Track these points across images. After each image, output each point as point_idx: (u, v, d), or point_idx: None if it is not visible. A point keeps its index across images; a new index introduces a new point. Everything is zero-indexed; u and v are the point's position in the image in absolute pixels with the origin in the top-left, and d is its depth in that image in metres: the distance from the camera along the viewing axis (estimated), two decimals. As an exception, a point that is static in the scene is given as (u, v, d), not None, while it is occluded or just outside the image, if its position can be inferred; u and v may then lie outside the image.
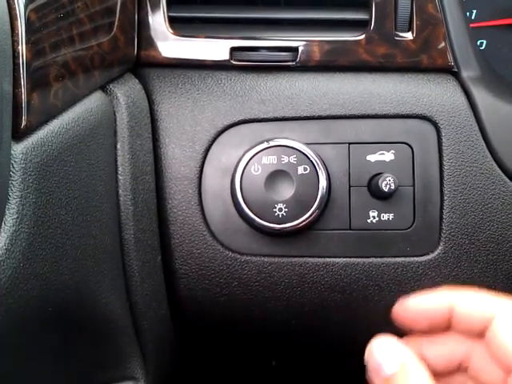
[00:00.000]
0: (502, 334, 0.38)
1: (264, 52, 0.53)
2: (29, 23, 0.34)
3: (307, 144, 0.50)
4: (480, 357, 0.41)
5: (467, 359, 0.41)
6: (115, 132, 0.47)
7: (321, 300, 0.54)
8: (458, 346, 0.42)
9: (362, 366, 0.46)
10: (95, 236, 0.43)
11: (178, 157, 0.52)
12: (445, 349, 0.42)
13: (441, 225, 0.52)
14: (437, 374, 0.42)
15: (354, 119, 0.52)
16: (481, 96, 0.52)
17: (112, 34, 0.47)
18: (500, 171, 0.52)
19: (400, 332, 0.40)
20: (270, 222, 0.50)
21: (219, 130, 0.52)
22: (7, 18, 0.33)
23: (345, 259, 0.52)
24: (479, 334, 0.40)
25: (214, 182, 0.52)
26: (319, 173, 0.50)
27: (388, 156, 0.51)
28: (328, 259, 0.52)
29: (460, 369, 0.42)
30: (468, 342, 0.41)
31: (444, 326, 0.42)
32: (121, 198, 0.47)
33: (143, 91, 0.52)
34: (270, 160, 0.50)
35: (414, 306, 0.43)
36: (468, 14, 0.56)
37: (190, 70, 0.53)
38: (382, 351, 0.41)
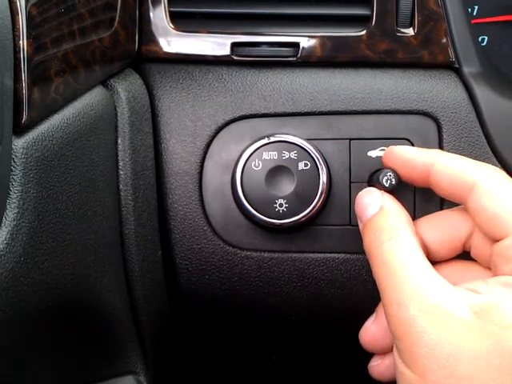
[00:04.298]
0: (484, 202, 0.39)
1: (265, 47, 0.53)
2: (30, 18, 0.34)
3: (308, 140, 0.51)
4: (479, 232, 0.41)
5: (469, 240, 0.42)
6: (116, 127, 0.47)
7: (321, 295, 0.54)
8: (459, 226, 0.42)
9: (363, 362, 0.47)
10: (96, 231, 0.43)
11: (179, 152, 0.52)
12: (446, 230, 0.43)
13: None
14: (442, 261, 0.43)
15: (355, 115, 0.52)
16: (482, 92, 0.52)
17: (113, 29, 0.47)
18: (501, 167, 0.52)
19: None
20: (270, 218, 0.50)
21: (220, 126, 0.52)
22: (8, 13, 0.33)
23: (345, 254, 0.52)
24: (460, 197, 0.41)
25: (215, 177, 0.52)
26: (320, 168, 0.50)
27: (389, 152, 0.51)
28: (328, 254, 0.52)
29: (464, 251, 0.43)
30: (469, 220, 0.42)
31: (422, 179, 0.43)
32: (121, 193, 0.47)
33: (144, 86, 0.52)
34: (270, 155, 0.50)
35: (399, 150, 0.45)
36: (469, 9, 0.56)
37: (190, 66, 0.53)
38: (367, 197, 0.43)
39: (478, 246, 0.41)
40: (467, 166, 0.41)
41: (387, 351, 0.43)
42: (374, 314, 0.45)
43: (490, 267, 0.40)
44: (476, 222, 0.40)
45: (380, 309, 0.44)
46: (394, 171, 0.46)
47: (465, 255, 0.43)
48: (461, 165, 0.41)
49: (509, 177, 0.40)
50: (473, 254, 0.42)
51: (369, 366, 0.45)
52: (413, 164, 0.44)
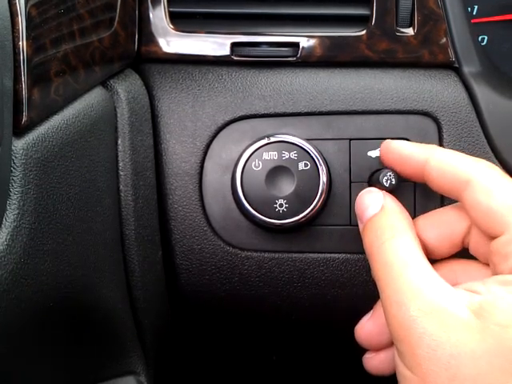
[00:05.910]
0: (479, 198, 0.38)
1: (265, 47, 0.53)
2: (29, 19, 0.34)
3: (308, 140, 0.50)
4: (476, 229, 0.41)
5: (467, 236, 0.42)
6: (116, 128, 0.47)
7: (321, 295, 0.54)
8: (457, 223, 0.42)
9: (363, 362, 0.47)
10: (96, 231, 0.43)
11: (179, 152, 0.52)
12: (444, 227, 0.43)
13: None
14: (441, 260, 0.43)
15: (355, 115, 0.52)
16: (482, 92, 0.52)
17: (112, 29, 0.47)
18: (501, 167, 0.52)
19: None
20: (270, 218, 0.50)
21: (220, 126, 0.52)
22: (8, 14, 0.33)
23: (345, 255, 0.52)
24: (456, 193, 0.41)
25: (215, 177, 0.52)
26: (320, 169, 0.50)
27: (389, 152, 0.51)
28: (328, 255, 0.52)
29: (463, 248, 0.43)
30: (467, 216, 0.41)
31: (418, 175, 0.43)
32: (122, 194, 0.47)
33: (144, 87, 0.52)
34: (270, 156, 0.50)
35: (395, 145, 0.45)
36: (469, 9, 0.56)
37: (190, 66, 0.53)
38: (368, 197, 0.43)
39: (476, 243, 0.41)
40: (462, 162, 0.40)
41: (382, 348, 0.43)
42: (371, 311, 0.45)
43: (488, 264, 0.40)
44: (472, 219, 0.40)
45: (378, 306, 0.44)
46: (393, 171, 0.46)
47: (465, 253, 0.43)
48: (455, 161, 0.41)
49: (504, 173, 0.40)
50: (471, 251, 0.42)
51: (363, 357, 0.45)
52: (408, 160, 0.44)
